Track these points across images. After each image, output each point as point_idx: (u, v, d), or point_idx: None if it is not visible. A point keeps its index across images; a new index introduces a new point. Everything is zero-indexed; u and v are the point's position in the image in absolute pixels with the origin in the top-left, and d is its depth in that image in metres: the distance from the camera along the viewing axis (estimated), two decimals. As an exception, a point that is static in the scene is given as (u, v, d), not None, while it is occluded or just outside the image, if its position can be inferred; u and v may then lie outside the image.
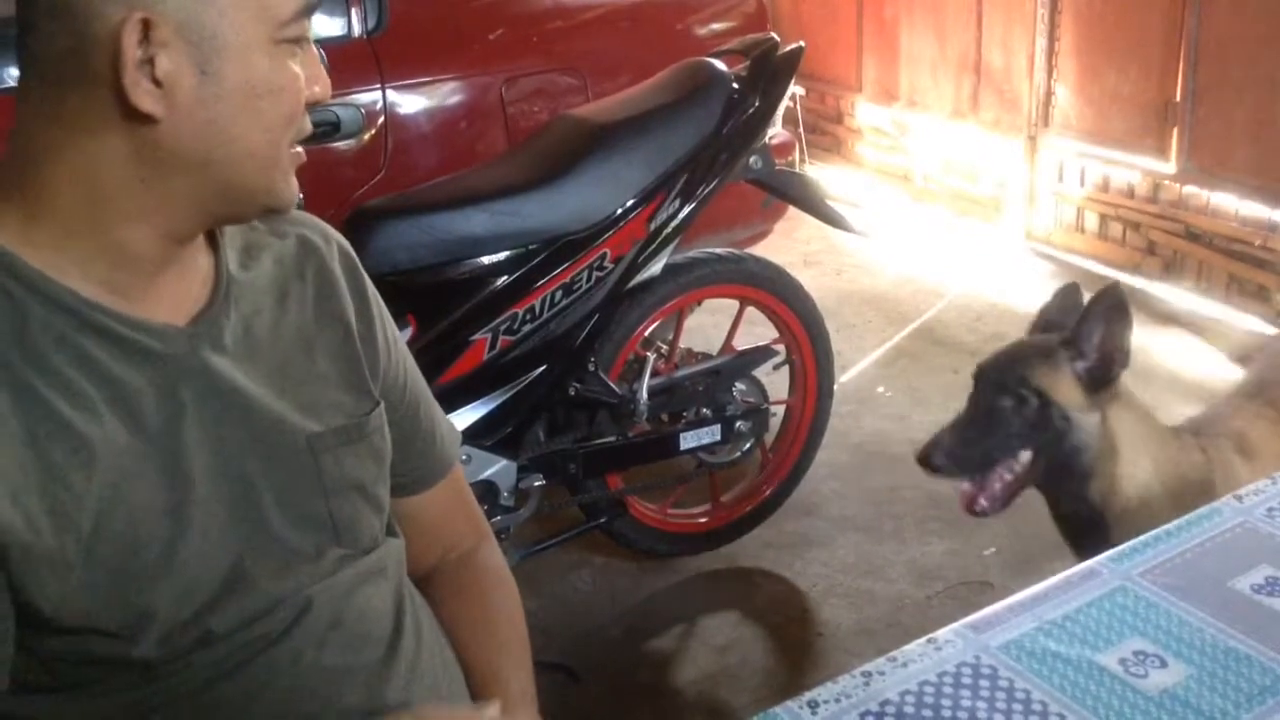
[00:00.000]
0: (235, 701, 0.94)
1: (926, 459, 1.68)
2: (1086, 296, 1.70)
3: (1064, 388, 1.64)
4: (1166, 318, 3.92)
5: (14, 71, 2.43)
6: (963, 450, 1.67)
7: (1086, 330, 1.64)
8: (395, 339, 1.13)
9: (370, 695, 1.00)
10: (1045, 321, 1.76)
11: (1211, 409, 1.92)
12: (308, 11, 0.90)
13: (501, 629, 1.18)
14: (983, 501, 1.70)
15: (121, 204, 0.87)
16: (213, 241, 0.98)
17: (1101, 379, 1.65)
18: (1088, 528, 1.70)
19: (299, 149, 0.94)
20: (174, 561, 0.89)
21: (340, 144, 2.60)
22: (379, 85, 2.72)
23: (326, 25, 2.74)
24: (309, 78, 0.91)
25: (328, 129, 2.35)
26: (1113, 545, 1.65)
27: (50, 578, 0.84)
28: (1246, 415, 1.84)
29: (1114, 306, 1.62)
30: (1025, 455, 1.68)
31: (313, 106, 0.93)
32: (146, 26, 0.82)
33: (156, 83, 0.83)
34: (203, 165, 0.88)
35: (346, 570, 1.02)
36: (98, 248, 0.88)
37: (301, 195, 2.03)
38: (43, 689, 0.89)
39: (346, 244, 1.10)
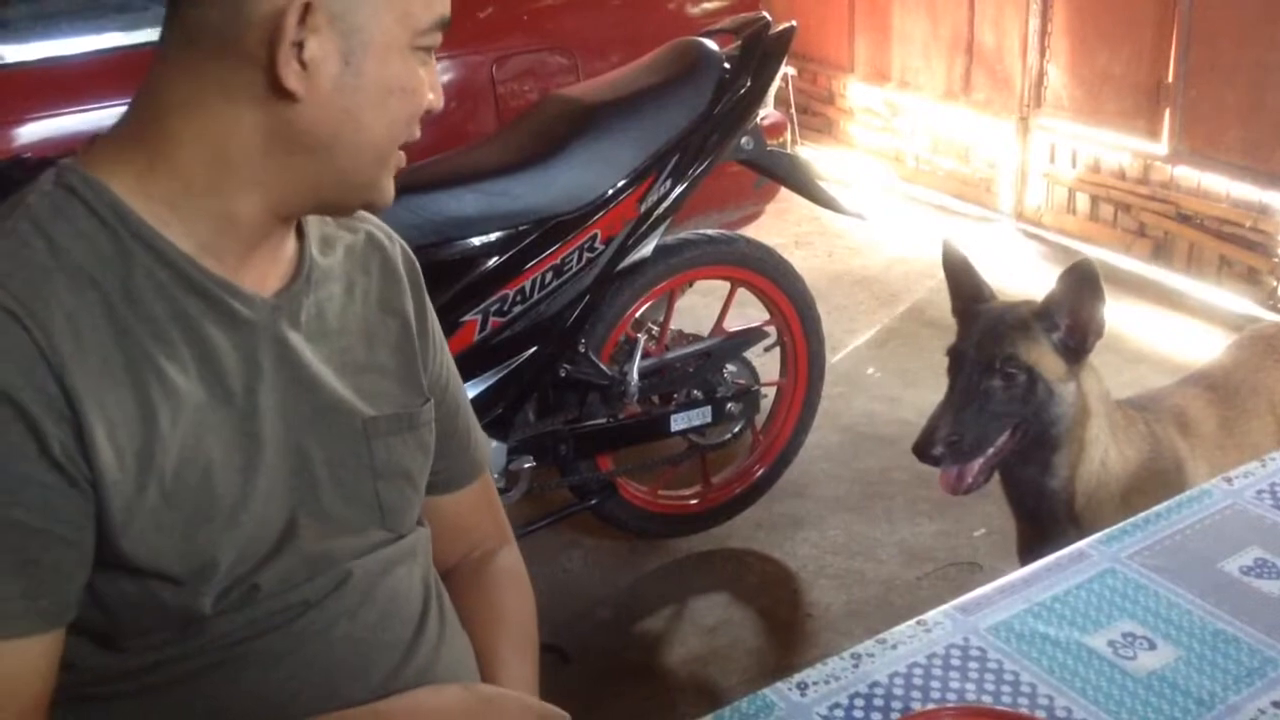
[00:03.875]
0: (265, 661, 0.96)
1: (925, 450, 1.67)
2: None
3: (1048, 360, 1.65)
4: (1157, 297, 3.93)
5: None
6: (961, 437, 1.66)
7: (1059, 302, 1.64)
8: (442, 341, 1.18)
9: (395, 672, 1.02)
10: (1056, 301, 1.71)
11: (1157, 390, 1.95)
12: (442, 25, 0.95)
13: (511, 623, 1.21)
14: (968, 479, 1.70)
15: (242, 173, 0.91)
16: (298, 228, 1.03)
17: (1077, 349, 1.66)
18: (1046, 497, 1.72)
19: (401, 153, 0.99)
20: (240, 516, 0.93)
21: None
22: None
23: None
24: (431, 86, 0.97)
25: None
26: (1072, 516, 1.69)
27: (130, 515, 0.87)
28: (1187, 395, 1.88)
29: (1085, 278, 1.62)
30: (1003, 438, 1.69)
31: (426, 114, 0.98)
32: (306, 10, 0.87)
33: (302, 64, 0.88)
34: (326, 149, 0.93)
35: (385, 550, 1.05)
36: (208, 210, 0.92)
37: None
38: (91, 633, 0.91)
39: (408, 246, 1.16)
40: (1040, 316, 1.66)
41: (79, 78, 2.53)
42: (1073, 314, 1.64)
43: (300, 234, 1.03)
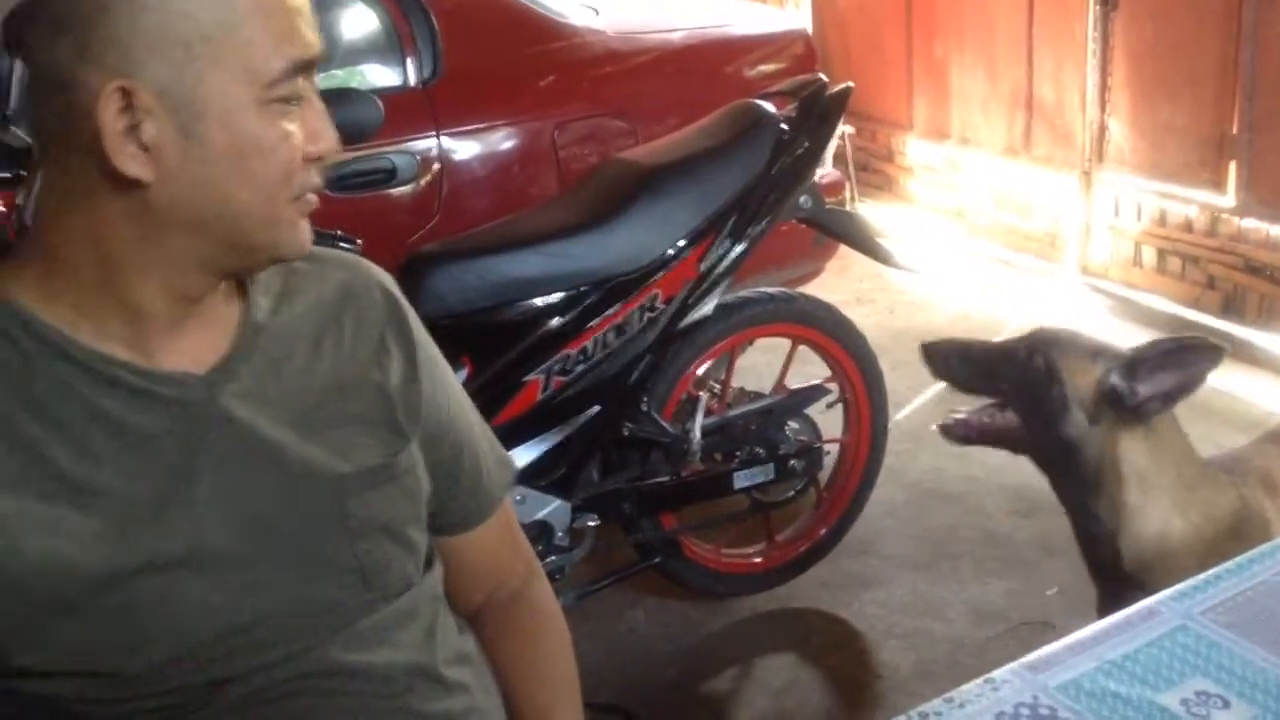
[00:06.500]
0: None
1: (932, 345, 1.74)
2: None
3: (1080, 378, 1.59)
4: (1231, 353, 3.85)
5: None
6: (959, 357, 1.71)
7: (1155, 363, 1.56)
8: (443, 381, 1.13)
9: None
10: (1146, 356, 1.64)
11: (1240, 449, 1.89)
12: (298, 70, 0.89)
13: (551, 669, 1.17)
14: (952, 420, 1.73)
15: (127, 264, 0.89)
16: (242, 289, 0.99)
17: (1124, 407, 1.58)
18: (1097, 547, 1.67)
19: (312, 197, 0.94)
20: (179, 609, 0.90)
21: (396, 190, 2.65)
22: (434, 132, 2.77)
23: (383, 75, 2.81)
24: (309, 134, 0.91)
25: (384, 176, 2.40)
26: (1134, 584, 1.64)
27: (56, 622, 0.86)
28: (1270, 454, 1.80)
29: (1202, 360, 1.54)
30: (1009, 415, 1.68)
31: (317, 161, 0.93)
32: (127, 94, 0.83)
33: (144, 147, 0.84)
34: (198, 225, 0.89)
35: (371, 617, 1.01)
36: (110, 305, 0.90)
37: (360, 241, 2.08)
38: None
39: (392, 286, 1.10)
40: (1125, 364, 1.58)
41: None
42: (1155, 382, 1.56)
43: (244, 295, 0.99)
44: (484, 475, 1.18)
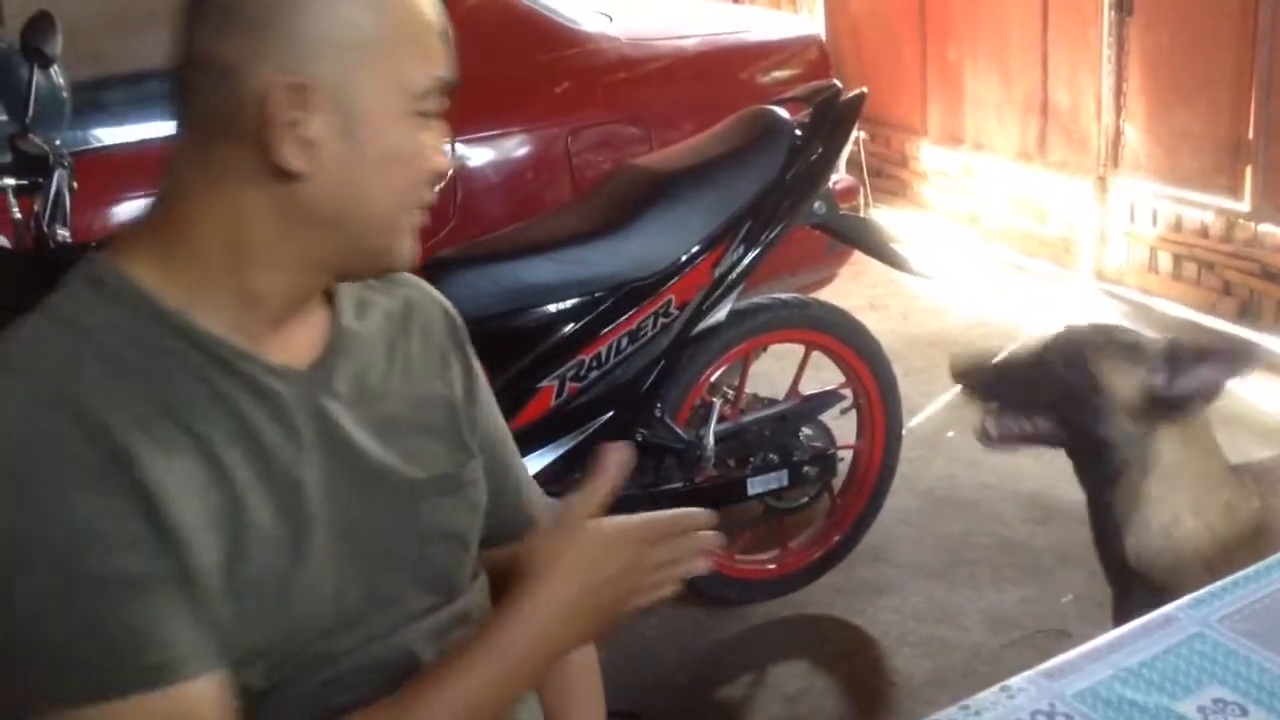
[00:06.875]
0: None
1: (963, 375, 1.67)
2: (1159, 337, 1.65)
3: (1123, 384, 1.57)
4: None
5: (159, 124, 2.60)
6: (995, 378, 1.65)
7: (1197, 361, 1.55)
8: (489, 402, 1.18)
9: None
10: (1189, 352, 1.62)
11: (1272, 458, 1.87)
12: (443, 87, 0.95)
13: (576, 678, 1.20)
14: (990, 429, 1.67)
15: (259, 253, 0.92)
16: (327, 295, 1.03)
17: (1169, 405, 1.56)
18: (1106, 536, 1.65)
19: (419, 213, 0.99)
20: (291, 594, 0.92)
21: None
22: (449, 139, 2.77)
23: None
24: (434, 150, 0.97)
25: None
26: (1143, 582, 1.62)
27: (188, 605, 0.86)
28: None
29: (1242, 361, 1.54)
30: (1045, 422, 1.65)
31: (434, 177, 0.98)
32: (299, 90, 0.87)
33: (304, 143, 0.89)
34: (334, 224, 0.93)
35: (438, 615, 1.04)
36: (230, 290, 0.93)
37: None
38: None
39: (449, 305, 1.16)
40: (1167, 355, 1.56)
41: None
42: (1198, 379, 1.55)
43: (330, 302, 1.03)
44: (524, 492, 1.22)
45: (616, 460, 1.02)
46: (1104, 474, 1.62)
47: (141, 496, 0.84)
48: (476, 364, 1.16)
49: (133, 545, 0.84)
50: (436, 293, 1.16)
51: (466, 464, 1.09)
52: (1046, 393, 1.63)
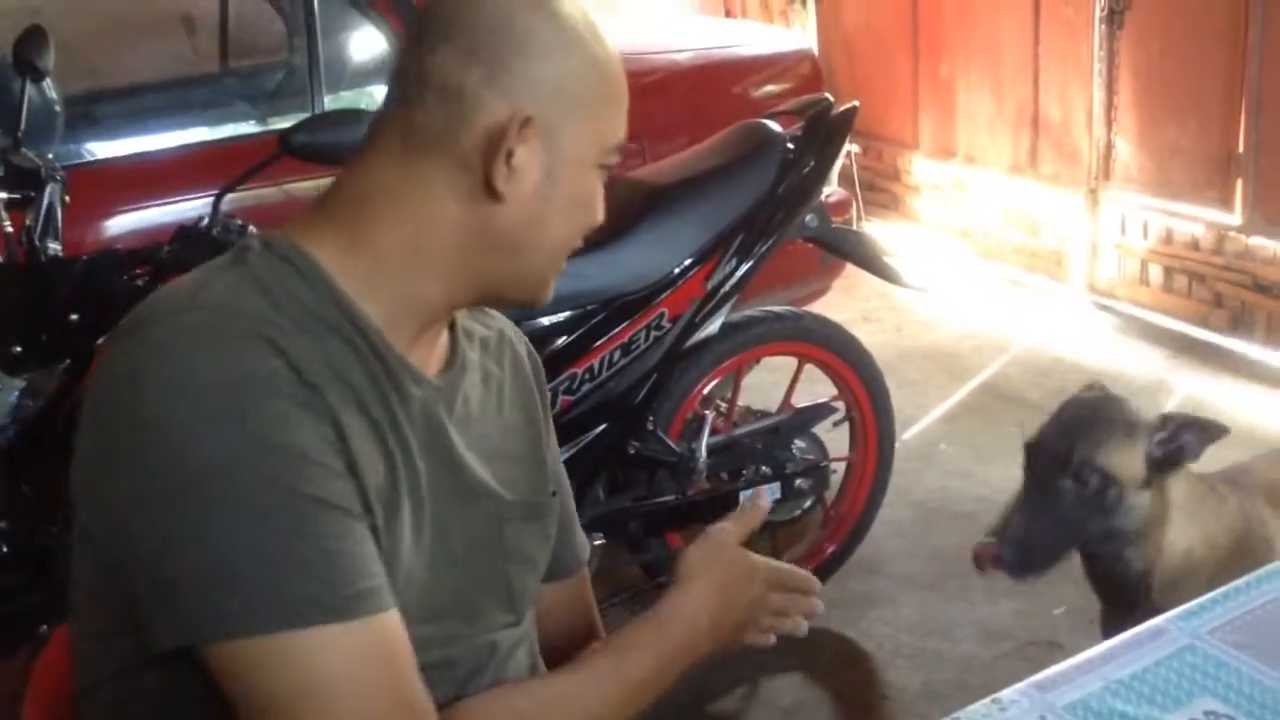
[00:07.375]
0: None
1: (994, 558, 1.54)
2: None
3: (1129, 465, 1.56)
4: (1236, 369, 3.85)
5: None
6: (1034, 545, 1.55)
7: (1186, 429, 1.57)
8: (554, 437, 1.22)
9: None
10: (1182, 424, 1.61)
11: (1246, 463, 1.87)
12: (621, 148, 1.04)
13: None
14: (1008, 555, 1.54)
15: (434, 261, 0.98)
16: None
17: (1169, 465, 1.58)
18: (1124, 585, 1.65)
19: (565, 260, 1.05)
20: (409, 578, 0.96)
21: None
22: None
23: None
24: (602, 203, 1.05)
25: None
26: (1151, 601, 1.62)
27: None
28: (1277, 469, 1.80)
29: (1214, 435, 1.57)
30: (1065, 542, 1.60)
31: (587, 227, 1.05)
32: (526, 124, 0.94)
33: (514, 170, 0.95)
34: (513, 250, 1.00)
35: (510, 631, 1.09)
36: (396, 290, 0.97)
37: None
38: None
39: (529, 343, 1.22)
40: (1162, 424, 1.58)
41: (167, 172, 2.63)
42: (1188, 443, 1.57)
43: (452, 325, 1.08)
44: (574, 533, 1.26)
45: (766, 500, 1.19)
46: (1121, 541, 1.61)
47: (345, 445, 0.89)
48: (548, 403, 1.21)
49: (344, 477, 0.88)
50: (519, 331, 1.21)
51: (546, 496, 1.14)
52: (1072, 521, 1.57)
